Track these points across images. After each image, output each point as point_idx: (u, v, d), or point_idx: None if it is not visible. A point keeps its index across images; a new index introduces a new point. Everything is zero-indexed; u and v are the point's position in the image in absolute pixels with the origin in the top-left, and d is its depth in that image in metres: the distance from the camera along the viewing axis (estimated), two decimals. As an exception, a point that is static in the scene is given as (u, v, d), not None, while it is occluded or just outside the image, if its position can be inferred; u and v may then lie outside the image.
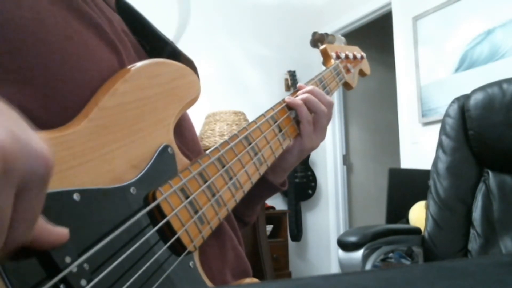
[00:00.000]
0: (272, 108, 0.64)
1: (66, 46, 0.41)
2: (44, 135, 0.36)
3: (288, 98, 0.68)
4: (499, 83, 1.37)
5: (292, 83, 3.32)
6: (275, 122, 0.63)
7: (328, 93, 0.77)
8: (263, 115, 0.62)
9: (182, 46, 0.60)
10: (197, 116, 0.62)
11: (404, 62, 2.84)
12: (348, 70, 0.86)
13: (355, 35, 3.33)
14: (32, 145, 0.26)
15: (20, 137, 0.26)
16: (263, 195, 0.70)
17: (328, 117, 0.69)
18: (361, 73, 0.95)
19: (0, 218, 0.24)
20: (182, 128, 0.55)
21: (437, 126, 1.58)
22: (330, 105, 0.69)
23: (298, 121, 0.68)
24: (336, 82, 0.82)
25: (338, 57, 0.83)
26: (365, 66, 0.96)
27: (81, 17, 0.44)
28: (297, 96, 0.68)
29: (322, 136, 0.70)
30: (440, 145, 1.47)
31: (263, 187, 0.67)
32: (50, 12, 0.42)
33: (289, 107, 0.67)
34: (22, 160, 0.25)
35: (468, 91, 1.45)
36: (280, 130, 0.64)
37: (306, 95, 0.67)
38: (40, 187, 0.27)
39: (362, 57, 0.94)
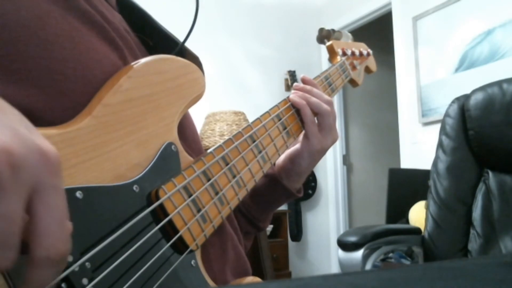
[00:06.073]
0: (277, 106, 0.63)
1: (67, 45, 0.41)
2: (47, 132, 0.36)
3: (292, 96, 0.66)
4: (499, 83, 1.37)
5: (292, 83, 3.32)
6: (279, 120, 0.62)
7: (333, 91, 0.76)
8: (267, 112, 0.61)
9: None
10: (197, 116, 0.63)
11: (404, 62, 2.83)
12: (354, 67, 0.85)
13: (355, 35, 3.31)
14: (36, 143, 0.26)
15: (24, 135, 0.25)
16: (280, 200, 0.69)
17: (333, 115, 0.67)
18: (367, 70, 0.94)
19: (12, 221, 0.24)
20: (184, 127, 0.55)
21: (437, 126, 1.58)
22: (331, 104, 0.67)
23: (302, 120, 0.66)
24: (342, 79, 0.81)
25: (344, 53, 0.81)
26: (372, 63, 0.95)
27: (81, 16, 0.44)
28: (293, 92, 0.67)
29: (331, 136, 0.67)
30: (440, 145, 1.47)
31: (280, 193, 0.67)
32: (49, 12, 0.41)
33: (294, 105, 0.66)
34: (28, 159, 0.25)
35: (468, 91, 1.45)
36: (285, 128, 0.63)
37: (307, 96, 0.66)
38: (53, 183, 0.27)
39: (368, 54, 0.92)
